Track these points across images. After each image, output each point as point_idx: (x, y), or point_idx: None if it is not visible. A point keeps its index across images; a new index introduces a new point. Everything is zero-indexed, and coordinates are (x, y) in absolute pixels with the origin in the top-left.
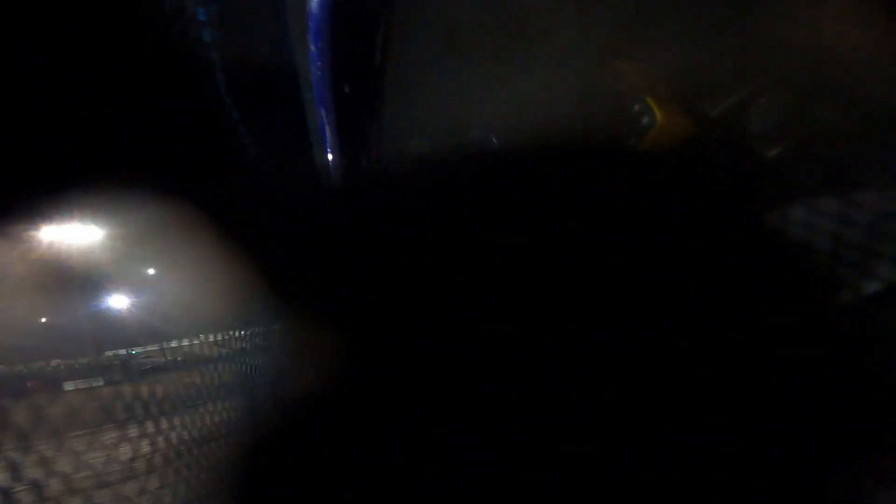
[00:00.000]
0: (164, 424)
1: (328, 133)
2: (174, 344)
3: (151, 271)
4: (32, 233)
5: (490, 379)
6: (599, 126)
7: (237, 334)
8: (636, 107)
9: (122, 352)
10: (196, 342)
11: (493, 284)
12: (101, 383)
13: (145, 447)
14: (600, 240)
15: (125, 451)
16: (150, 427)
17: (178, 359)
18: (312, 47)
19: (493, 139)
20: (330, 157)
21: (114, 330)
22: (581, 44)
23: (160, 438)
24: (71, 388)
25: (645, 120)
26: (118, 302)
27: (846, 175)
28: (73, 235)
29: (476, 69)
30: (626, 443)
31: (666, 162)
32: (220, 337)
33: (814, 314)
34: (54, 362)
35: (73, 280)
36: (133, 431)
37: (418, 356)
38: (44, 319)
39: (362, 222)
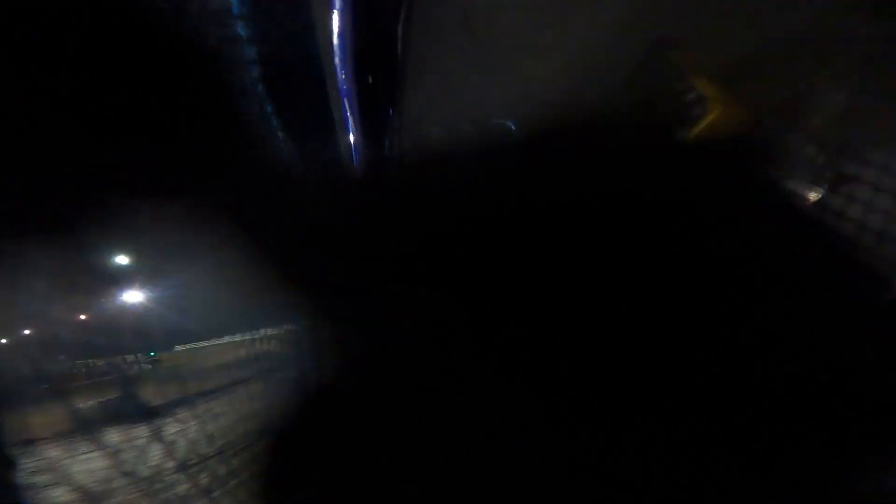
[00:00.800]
0: None
1: (351, 123)
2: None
3: (171, 267)
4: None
5: (510, 375)
6: (638, 114)
7: (256, 334)
8: (689, 95)
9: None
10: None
11: (515, 278)
12: None
13: None
14: (632, 235)
15: None
16: None
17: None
18: (335, 36)
19: (514, 127)
20: (353, 147)
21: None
22: (622, 28)
23: None
24: None
25: (699, 108)
26: (133, 297)
27: None
28: (93, 232)
29: (495, 56)
30: (629, 443)
31: (715, 153)
32: (239, 337)
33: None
34: None
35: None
36: None
37: (438, 350)
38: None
39: (386, 213)
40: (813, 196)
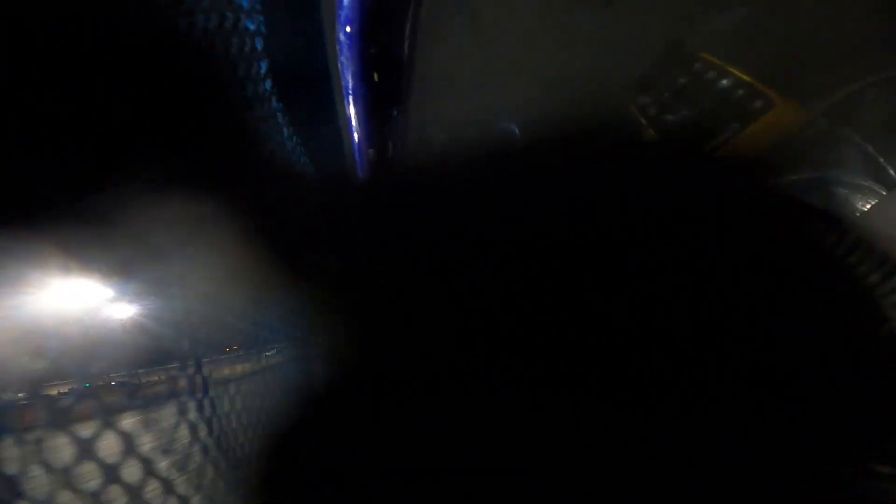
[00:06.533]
0: None
1: (355, 124)
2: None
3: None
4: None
5: (510, 381)
6: (651, 117)
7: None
8: (739, 91)
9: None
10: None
11: (519, 284)
12: None
13: None
14: (637, 239)
15: None
16: None
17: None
18: (341, 36)
19: (518, 131)
20: (357, 148)
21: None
22: (635, 29)
23: None
24: None
25: (757, 104)
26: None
27: None
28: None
29: (501, 59)
30: (630, 443)
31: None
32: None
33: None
34: None
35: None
36: None
37: (442, 356)
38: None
39: (389, 216)
40: (868, 200)
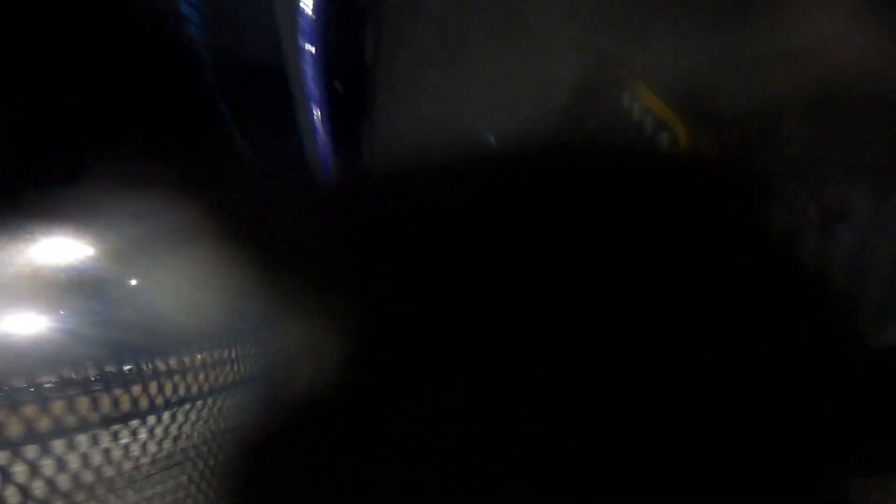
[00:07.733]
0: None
1: (319, 132)
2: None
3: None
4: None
5: (487, 382)
6: (604, 126)
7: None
8: (647, 120)
9: None
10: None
11: (489, 288)
12: None
13: None
14: (604, 245)
15: None
16: None
17: None
18: (303, 42)
19: (489, 138)
20: (322, 156)
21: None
22: (582, 37)
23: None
24: None
25: (662, 136)
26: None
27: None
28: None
29: (469, 67)
30: (624, 439)
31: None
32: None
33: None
34: None
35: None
36: None
37: (414, 357)
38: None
39: (355, 223)
40: (792, 234)
